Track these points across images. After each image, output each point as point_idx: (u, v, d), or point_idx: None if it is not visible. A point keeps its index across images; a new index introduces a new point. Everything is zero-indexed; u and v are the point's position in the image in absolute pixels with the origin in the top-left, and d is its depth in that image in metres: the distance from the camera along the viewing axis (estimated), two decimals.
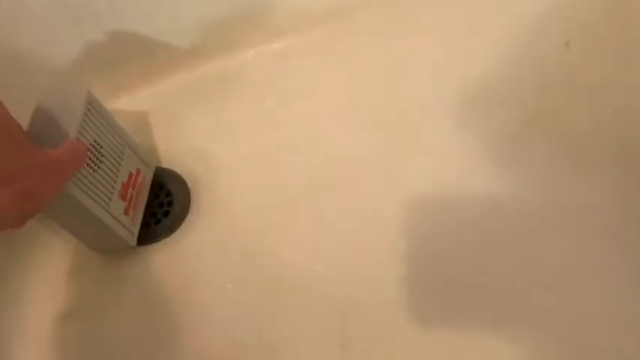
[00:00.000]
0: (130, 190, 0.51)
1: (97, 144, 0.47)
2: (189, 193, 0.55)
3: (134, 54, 0.59)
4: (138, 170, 0.53)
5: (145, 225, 0.54)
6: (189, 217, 0.55)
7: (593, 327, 0.44)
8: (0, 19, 0.51)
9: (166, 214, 0.55)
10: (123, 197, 0.50)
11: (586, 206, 0.48)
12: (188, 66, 0.61)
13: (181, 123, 0.59)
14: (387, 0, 0.60)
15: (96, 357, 0.49)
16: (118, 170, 0.50)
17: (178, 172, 0.57)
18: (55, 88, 0.45)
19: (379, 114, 0.56)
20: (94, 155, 0.46)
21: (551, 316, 0.44)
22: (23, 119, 0.40)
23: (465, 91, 0.55)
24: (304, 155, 0.55)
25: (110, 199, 0.48)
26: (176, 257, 0.52)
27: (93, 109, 0.47)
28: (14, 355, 0.50)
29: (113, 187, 0.49)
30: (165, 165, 0.57)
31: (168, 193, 0.56)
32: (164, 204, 0.55)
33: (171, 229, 0.54)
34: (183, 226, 0.54)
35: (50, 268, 0.54)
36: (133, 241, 0.52)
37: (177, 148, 0.58)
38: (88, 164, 0.45)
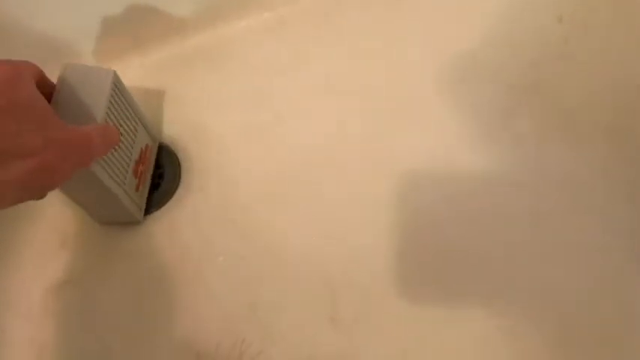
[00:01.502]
0: (141, 166, 0.51)
1: (119, 123, 0.47)
2: (179, 166, 0.55)
3: (124, 24, 0.57)
4: (147, 146, 0.53)
5: None
6: (180, 190, 0.55)
7: (578, 300, 0.45)
8: None
9: (157, 186, 0.55)
10: (135, 174, 0.50)
11: (575, 181, 0.48)
12: (179, 37, 0.60)
13: (171, 94, 0.59)
14: None
15: (89, 328, 0.50)
16: (133, 148, 0.50)
17: (169, 145, 0.56)
18: (77, 65, 0.45)
19: (370, 89, 0.56)
20: None
21: (538, 290, 0.45)
22: None
23: (456, 66, 0.55)
24: (296, 129, 0.55)
25: (126, 177, 0.48)
26: (167, 230, 0.53)
27: (117, 89, 0.47)
28: (6, 327, 0.51)
29: (128, 165, 0.49)
30: None
31: (159, 166, 0.56)
32: (154, 176, 0.55)
33: (162, 202, 0.54)
34: (174, 198, 0.54)
35: (42, 238, 0.54)
36: (141, 216, 0.52)
37: (166, 120, 0.58)
38: None
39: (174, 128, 0.57)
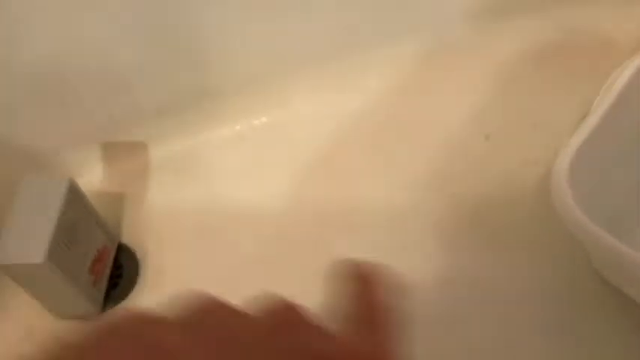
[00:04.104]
0: (98, 264, 0.56)
1: (74, 229, 0.51)
2: (138, 266, 0.59)
3: (93, 137, 0.64)
4: (104, 247, 0.57)
5: None
6: (138, 288, 0.58)
7: None
8: None
9: (115, 285, 0.59)
10: (91, 271, 0.55)
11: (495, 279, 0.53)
12: (145, 149, 0.67)
13: (136, 201, 0.64)
14: None
15: None
16: (89, 249, 0.55)
17: (129, 246, 0.61)
18: (33, 179, 0.50)
19: (321, 201, 0.61)
20: (71, 235, 0.51)
21: None
22: None
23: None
24: (251, 231, 0.60)
25: (81, 273, 0.53)
26: None
27: (72, 197, 0.51)
28: None
29: (84, 264, 0.54)
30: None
31: (118, 265, 0.60)
32: (113, 275, 0.59)
33: (120, 298, 0.58)
34: (132, 295, 0.58)
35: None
36: (98, 311, 0.56)
37: (129, 224, 0.62)
38: (64, 243, 0.50)
39: (135, 230, 0.62)
